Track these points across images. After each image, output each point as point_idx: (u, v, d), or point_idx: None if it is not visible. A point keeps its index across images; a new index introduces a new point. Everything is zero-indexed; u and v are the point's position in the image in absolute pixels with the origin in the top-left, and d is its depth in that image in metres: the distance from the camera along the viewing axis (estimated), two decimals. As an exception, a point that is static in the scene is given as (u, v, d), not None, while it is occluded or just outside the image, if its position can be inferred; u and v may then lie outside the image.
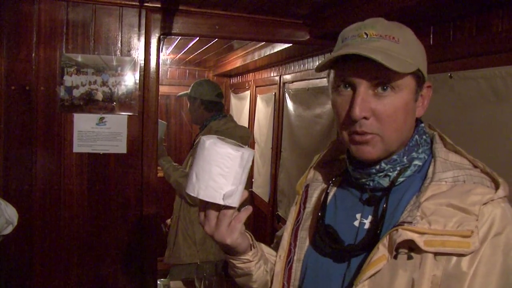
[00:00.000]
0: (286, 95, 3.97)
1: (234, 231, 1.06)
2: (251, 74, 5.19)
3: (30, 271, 2.36)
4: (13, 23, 2.26)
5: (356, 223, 1.08)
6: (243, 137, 3.35)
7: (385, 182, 1.05)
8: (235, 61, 4.79)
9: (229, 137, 3.28)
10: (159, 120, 3.53)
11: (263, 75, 4.78)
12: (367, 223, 1.06)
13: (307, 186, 1.26)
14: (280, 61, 4.11)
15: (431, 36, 2.06)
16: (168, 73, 5.93)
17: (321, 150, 1.29)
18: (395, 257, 0.93)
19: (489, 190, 0.93)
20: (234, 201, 1.01)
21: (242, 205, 1.07)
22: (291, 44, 3.05)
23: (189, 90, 3.46)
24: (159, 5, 2.39)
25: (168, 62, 5.47)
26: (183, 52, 4.58)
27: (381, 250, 0.93)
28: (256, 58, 4.03)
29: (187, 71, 6.00)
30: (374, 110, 0.97)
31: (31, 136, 2.31)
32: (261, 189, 4.65)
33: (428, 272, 0.90)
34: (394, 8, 1.88)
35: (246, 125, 5.14)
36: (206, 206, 1.06)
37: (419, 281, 0.90)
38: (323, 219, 1.12)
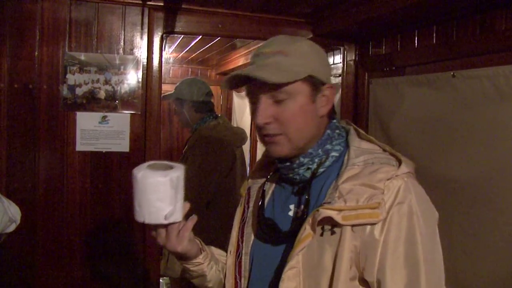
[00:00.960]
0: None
1: (183, 240, 1.21)
2: (253, 72, 5.18)
3: (33, 269, 2.37)
4: (16, 21, 2.26)
5: (291, 213, 1.23)
6: (236, 138, 3.23)
7: (308, 174, 1.21)
8: (238, 59, 4.78)
9: (216, 143, 3.10)
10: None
11: (265, 73, 4.77)
12: (299, 212, 1.20)
13: (249, 189, 1.43)
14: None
15: (434, 35, 2.05)
16: (171, 71, 5.93)
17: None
18: (322, 234, 1.09)
19: (393, 168, 1.09)
20: (176, 218, 1.15)
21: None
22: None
23: (173, 94, 3.25)
24: (162, 4, 2.39)
25: (171, 60, 5.46)
26: (185, 50, 4.58)
27: (307, 229, 1.08)
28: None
29: (190, 69, 6.00)
30: (275, 116, 1.14)
31: (34, 135, 2.32)
32: (264, 188, 4.64)
33: (348, 243, 1.05)
34: (396, 7, 1.87)
35: (248, 123, 5.13)
36: (155, 225, 1.20)
37: (341, 252, 1.05)
38: (262, 213, 1.29)
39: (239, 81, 1.20)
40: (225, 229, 3.25)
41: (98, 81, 2.39)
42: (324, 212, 1.05)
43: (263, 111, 1.14)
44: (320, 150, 1.19)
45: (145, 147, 2.47)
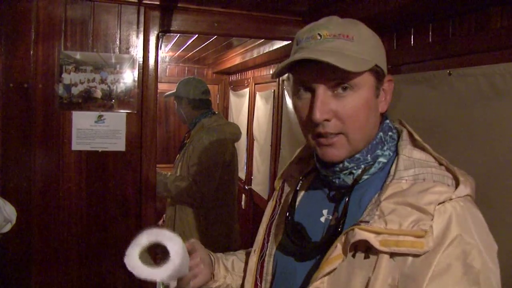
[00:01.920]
0: (285, 92, 3.97)
1: (199, 277, 1.23)
2: (250, 71, 5.19)
3: (29, 269, 2.36)
4: (11, 20, 2.25)
5: (323, 219, 1.10)
6: (233, 133, 3.38)
7: (350, 180, 1.06)
8: (234, 58, 4.78)
9: (220, 134, 3.28)
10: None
11: (262, 72, 4.77)
12: (333, 219, 1.07)
13: (283, 182, 1.30)
14: (279, 58, 4.10)
15: (430, 33, 2.05)
16: (167, 70, 5.93)
17: (300, 148, 1.31)
18: (353, 256, 0.94)
19: (447, 188, 0.93)
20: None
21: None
22: (290, 42, 3.05)
23: (175, 90, 3.42)
24: (157, 3, 2.39)
25: (167, 59, 5.46)
26: (182, 49, 4.58)
27: (338, 249, 0.94)
28: (255, 56, 4.02)
29: (186, 68, 6.00)
30: (335, 111, 0.98)
31: (29, 134, 2.31)
32: (260, 187, 4.65)
33: (383, 272, 0.90)
34: (392, 4, 1.87)
35: (245, 122, 5.14)
36: None
37: (374, 281, 0.90)
38: (292, 216, 1.15)
39: (285, 68, 1.04)
40: (226, 223, 3.29)
41: (94, 80, 2.38)
42: (360, 233, 0.91)
43: (323, 105, 0.98)
44: (369, 155, 1.04)
45: (141, 146, 2.46)
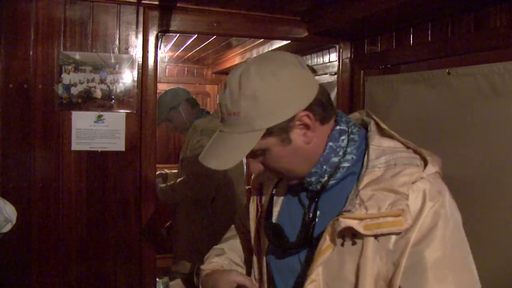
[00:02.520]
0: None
1: None
2: (249, 71, 5.18)
3: (28, 269, 2.36)
4: (11, 20, 2.25)
5: (304, 218, 1.18)
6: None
7: (319, 186, 1.13)
8: (234, 58, 4.78)
9: (211, 131, 3.23)
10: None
11: (261, 72, 4.76)
12: (307, 217, 1.16)
13: (261, 184, 1.35)
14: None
15: (429, 32, 2.06)
16: (167, 70, 5.92)
17: None
18: (342, 245, 1.02)
19: (417, 169, 1.01)
20: None
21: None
22: (289, 41, 3.05)
23: (162, 112, 3.29)
24: (156, 3, 2.39)
25: (167, 59, 5.46)
26: (181, 49, 4.58)
27: (327, 240, 1.01)
28: (255, 55, 4.02)
29: (186, 68, 5.99)
30: (265, 167, 1.12)
31: (29, 134, 2.31)
32: (260, 186, 4.64)
33: (371, 254, 0.98)
34: (391, 4, 1.88)
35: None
36: None
37: (364, 264, 0.98)
38: (270, 219, 1.23)
39: None
40: (228, 224, 3.30)
41: (93, 80, 2.38)
42: (344, 221, 0.97)
43: (252, 166, 1.13)
44: (325, 166, 1.10)
45: (140, 146, 2.46)
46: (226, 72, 5.86)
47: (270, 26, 2.62)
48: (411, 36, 2.17)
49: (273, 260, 1.24)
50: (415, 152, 1.06)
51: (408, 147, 1.08)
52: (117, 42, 2.40)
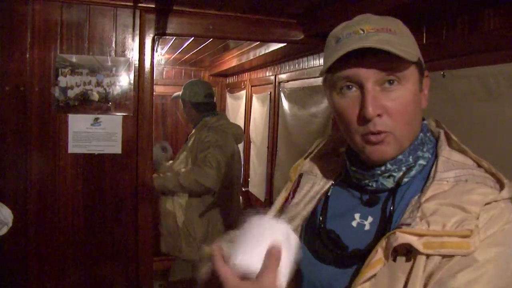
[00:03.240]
0: (282, 94, 3.98)
1: None
2: (246, 73, 5.20)
3: (25, 272, 2.36)
4: (7, 23, 2.25)
5: (354, 224, 1.03)
6: (236, 134, 3.44)
7: (389, 183, 1.01)
8: (231, 60, 4.79)
9: (223, 133, 3.36)
10: (162, 144, 3.60)
11: (258, 74, 4.79)
12: (367, 224, 1.01)
13: (300, 175, 1.22)
14: (275, 60, 4.12)
15: (424, 35, 2.07)
16: (164, 73, 5.93)
17: (321, 141, 1.25)
18: (394, 260, 0.89)
19: (492, 190, 0.89)
20: None
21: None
22: (286, 44, 3.06)
23: (181, 91, 3.51)
24: (153, 6, 2.39)
25: (163, 62, 5.47)
26: (178, 52, 4.59)
27: (379, 253, 0.89)
28: (252, 58, 4.04)
29: (183, 71, 6.00)
30: (385, 107, 0.93)
31: (25, 137, 2.31)
32: (257, 189, 4.66)
33: (421, 273, 0.85)
34: (387, 6, 1.88)
35: (242, 124, 5.15)
36: None
37: (413, 283, 0.85)
38: (324, 223, 1.07)
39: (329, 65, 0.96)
40: (226, 221, 3.33)
41: (90, 83, 2.39)
42: (402, 237, 0.86)
43: (375, 100, 0.93)
44: (411, 157, 0.99)
45: (137, 148, 2.47)
46: (223, 74, 5.89)
47: (266, 28, 2.63)
48: (406, 39, 2.18)
49: (306, 268, 1.06)
50: (488, 172, 0.95)
51: (479, 166, 0.97)
52: (113, 45, 2.41)
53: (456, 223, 0.85)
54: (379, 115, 0.93)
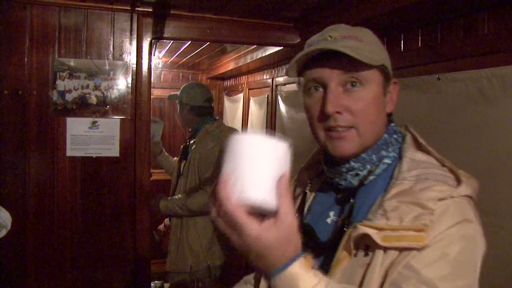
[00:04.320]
0: (279, 97, 3.99)
1: None
2: (244, 77, 5.21)
3: (23, 274, 2.37)
4: (6, 28, 2.27)
5: (329, 221, 1.10)
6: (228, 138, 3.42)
7: (355, 181, 1.07)
8: (228, 64, 4.80)
9: (224, 139, 3.31)
10: (154, 119, 3.56)
11: (256, 77, 4.80)
12: (339, 221, 1.08)
13: (294, 188, 1.28)
14: (272, 63, 4.13)
15: (419, 38, 2.08)
16: (162, 76, 5.93)
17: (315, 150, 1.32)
18: (355, 255, 0.95)
19: (449, 187, 0.94)
20: None
21: None
22: (282, 47, 3.07)
23: (179, 93, 3.43)
24: (150, 10, 2.41)
25: (161, 65, 5.47)
26: (176, 55, 4.60)
27: (344, 248, 0.97)
28: (249, 61, 4.05)
29: (181, 74, 6.01)
30: (347, 106, 1.00)
31: (24, 140, 2.32)
32: (255, 191, 4.65)
33: (378, 266, 0.91)
34: (382, 10, 1.90)
35: (240, 127, 5.15)
36: None
37: (370, 277, 0.91)
38: (301, 218, 1.15)
39: (297, 69, 1.08)
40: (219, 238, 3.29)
41: (88, 86, 2.40)
42: (362, 229, 0.92)
43: (335, 98, 1.00)
44: (374, 156, 1.05)
45: (135, 151, 2.48)
46: (221, 77, 5.89)
47: (263, 32, 2.65)
48: (402, 42, 2.19)
49: None
50: (451, 171, 1.00)
51: (443, 165, 1.02)
52: (111, 49, 2.42)
53: (413, 218, 0.90)
54: (339, 112, 1.01)
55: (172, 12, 2.45)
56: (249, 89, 5.00)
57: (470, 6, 1.74)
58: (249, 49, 3.83)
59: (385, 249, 0.91)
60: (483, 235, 0.95)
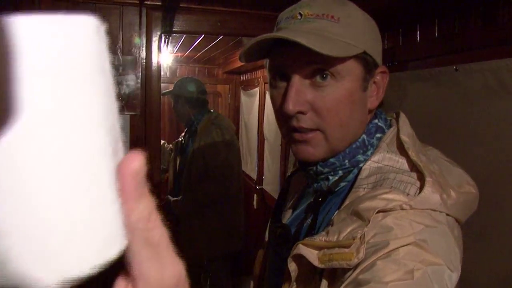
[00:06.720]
0: (294, 91, 3.94)
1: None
2: (260, 71, 5.16)
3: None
4: (14, 24, 2.25)
5: (305, 224, 0.97)
6: (232, 128, 3.48)
7: (325, 186, 0.93)
8: (244, 58, 4.76)
9: (223, 127, 3.29)
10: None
11: (271, 71, 4.75)
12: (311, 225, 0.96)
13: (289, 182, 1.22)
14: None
15: (436, 28, 2.00)
16: (178, 71, 5.91)
17: None
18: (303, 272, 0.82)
19: (403, 197, 0.76)
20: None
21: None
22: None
23: (172, 88, 3.49)
24: (159, 3, 2.37)
25: (176, 60, 5.45)
26: (190, 50, 4.57)
27: (292, 264, 0.82)
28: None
29: (197, 69, 5.97)
30: (312, 103, 0.84)
31: (33, 138, 2.31)
32: (271, 186, 4.62)
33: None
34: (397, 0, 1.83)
35: (256, 122, 5.13)
36: None
37: None
38: (279, 216, 1.10)
39: (261, 51, 0.90)
40: (226, 227, 3.29)
41: (97, 82, 2.37)
42: (300, 248, 0.77)
43: (298, 94, 0.84)
44: (346, 160, 0.89)
45: (145, 147, 2.45)
46: (237, 72, 5.86)
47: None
48: (418, 33, 2.12)
49: (270, 258, 1.11)
50: (420, 178, 0.80)
51: (416, 170, 0.81)
52: (120, 44, 2.39)
53: (350, 232, 0.74)
54: (301, 112, 0.85)
55: (181, 5, 2.40)
56: (265, 83, 4.96)
57: (489, -7, 1.66)
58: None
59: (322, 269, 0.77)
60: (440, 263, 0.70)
